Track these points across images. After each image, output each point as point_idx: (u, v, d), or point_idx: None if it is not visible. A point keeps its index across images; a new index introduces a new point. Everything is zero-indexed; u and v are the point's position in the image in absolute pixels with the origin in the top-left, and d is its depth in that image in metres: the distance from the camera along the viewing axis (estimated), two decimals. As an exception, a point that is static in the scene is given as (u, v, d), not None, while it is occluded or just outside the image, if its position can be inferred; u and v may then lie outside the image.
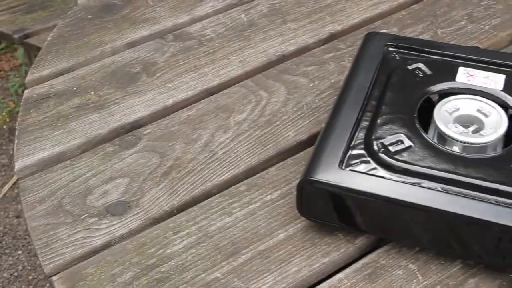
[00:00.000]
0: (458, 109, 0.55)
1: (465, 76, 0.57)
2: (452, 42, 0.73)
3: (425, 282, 0.50)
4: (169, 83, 0.70)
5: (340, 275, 0.51)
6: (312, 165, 0.51)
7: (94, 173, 0.60)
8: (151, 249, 0.54)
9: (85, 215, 0.57)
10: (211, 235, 0.55)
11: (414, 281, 0.51)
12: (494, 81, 0.57)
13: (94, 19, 0.80)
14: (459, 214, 0.47)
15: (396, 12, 0.78)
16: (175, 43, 0.75)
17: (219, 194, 0.58)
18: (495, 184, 0.48)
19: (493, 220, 0.46)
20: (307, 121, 0.65)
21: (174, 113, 0.67)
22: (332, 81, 0.69)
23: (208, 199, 0.58)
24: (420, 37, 0.74)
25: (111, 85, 0.70)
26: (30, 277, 1.31)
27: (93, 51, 0.75)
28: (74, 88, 0.70)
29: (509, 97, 0.55)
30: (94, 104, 0.68)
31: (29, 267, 1.34)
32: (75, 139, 0.64)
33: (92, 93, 0.69)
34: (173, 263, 0.53)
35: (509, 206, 0.47)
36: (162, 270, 0.52)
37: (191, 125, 0.65)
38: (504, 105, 0.55)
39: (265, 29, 0.77)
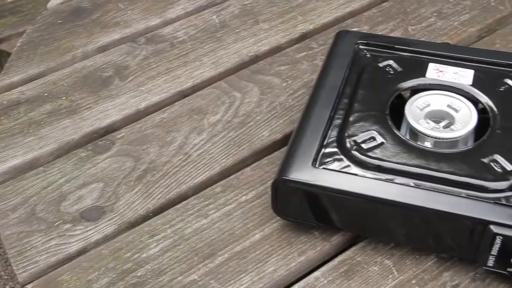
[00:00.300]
0: (428, 105, 0.56)
1: (435, 72, 0.58)
2: (422, 39, 0.73)
3: (401, 277, 0.51)
4: (142, 86, 0.70)
5: (316, 273, 0.52)
6: (286, 164, 0.51)
7: (68, 179, 0.60)
8: (127, 253, 0.54)
9: (59, 222, 0.56)
10: (187, 237, 0.55)
11: (390, 276, 0.51)
12: (463, 76, 0.57)
13: (64, 24, 0.79)
14: (431, 208, 0.48)
15: (367, 10, 0.79)
16: (147, 46, 0.75)
17: (195, 196, 0.58)
18: (466, 177, 0.49)
19: (465, 214, 0.47)
20: (281, 121, 0.65)
21: (147, 116, 0.66)
22: (305, 80, 0.69)
23: (184, 202, 0.58)
24: (391, 34, 0.74)
25: (83, 90, 0.70)
26: (8, 287, 1.30)
27: (64, 56, 0.74)
28: (45, 94, 0.69)
29: (478, 91, 0.56)
30: (66, 110, 0.67)
31: (6, 277, 1.33)
32: (47, 145, 0.63)
33: (64, 98, 0.69)
34: (149, 267, 0.52)
35: (480, 199, 0.47)
36: (139, 274, 0.52)
37: (164, 128, 0.65)
38: (473, 100, 0.56)
39: (237, 30, 0.77)
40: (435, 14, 0.77)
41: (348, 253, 0.53)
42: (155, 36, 0.76)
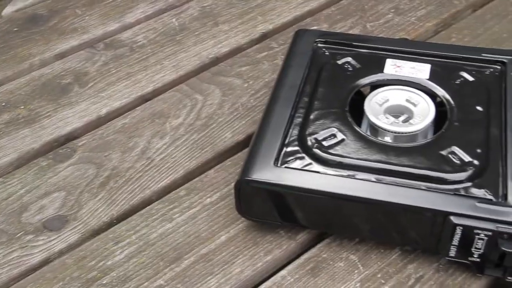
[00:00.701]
0: (387, 100, 0.56)
1: (392, 67, 0.59)
2: (381, 35, 0.74)
3: (366, 272, 0.51)
4: (102, 92, 0.69)
5: (283, 272, 0.52)
6: (248, 165, 0.51)
7: (29, 189, 0.59)
8: (92, 261, 0.53)
9: (20, 233, 0.55)
10: (152, 242, 0.54)
11: (356, 271, 0.51)
12: (420, 70, 0.58)
13: (20, 31, 0.78)
14: (393, 202, 0.48)
15: (325, 9, 0.79)
16: (106, 52, 0.74)
17: (159, 200, 0.58)
18: (425, 170, 0.49)
19: (425, 206, 0.47)
20: (243, 122, 0.65)
21: (109, 122, 0.66)
22: (266, 80, 0.69)
23: (148, 207, 0.57)
24: (350, 31, 0.75)
25: (42, 98, 0.69)
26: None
27: (21, 64, 0.73)
28: (3, 104, 0.68)
29: (435, 85, 0.57)
30: (25, 119, 0.66)
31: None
32: (7, 156, 0.62)
33: (22, 107, 0.68)
34: (114, 274, 0.52)
35: (440, 191, 0.48)
36: (104, 282, 0.52)
37: (126, 133, 0.64)
38: (431, 93, 0.57)
39: (197, 32, 0.76)
40: (392, 11, 0.78)
41: (314, 251, 0.53)
42: (114, 41, 0.76)
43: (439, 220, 0.47)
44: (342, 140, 0.52)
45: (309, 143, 0.52)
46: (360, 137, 0.53)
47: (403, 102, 0.56)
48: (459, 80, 0.57)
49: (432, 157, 0.50)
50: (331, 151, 0.52)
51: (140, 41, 0.75)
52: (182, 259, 0.53)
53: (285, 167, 0.51)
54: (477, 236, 0.47)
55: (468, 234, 0.47)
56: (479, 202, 0.47)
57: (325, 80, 0.58)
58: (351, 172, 0.50)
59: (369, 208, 0.49)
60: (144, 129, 0.65)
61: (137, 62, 0.73)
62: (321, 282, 0.51)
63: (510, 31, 0.73)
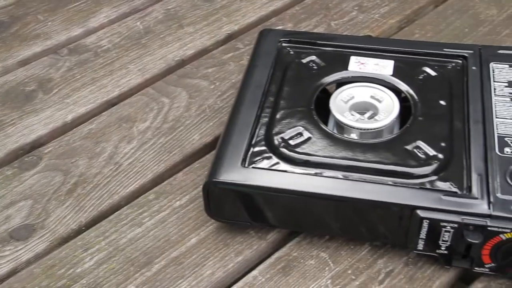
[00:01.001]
0: (352, 97, 0.57)
1: (356, 64, 0.59)
2: (345, 33, 0.75)
3: (337, 269, 0.52)
4: (67, 98, 0.68)
5: (254, 272, 0.52)
6: (215, 166, 0.51)
7: (-6, 199, 0.58)
8: (61, 270, 0.52)
9: (-13, 244, 0.54)
10: (122, 248, 0.54)
11: (326, 268, 0.52)
12: (384, 67, 0.59)
13: (-19, 39, 0.77)
14: (360, 198, 0.48)
15: (290, 8, 0.80)
16: (70, 57, 0.73)
17: (128, 205, 0.57)
18: (392, 165, 0.50)
19: (392, 201, 0.48)
20: (211, 123, 0.65)
21: (75, 129, 0.65)
22: (233, 81, 0.69)
23: (117, 212, 0.57)
24: (315, 30, 0.75)
25: (6, 106, 0.68)
26: None
27: (-17, 73, 0.72)
28: (-34, 113, 0.67)
29: (398, 81, 0.57)
30: (-11, 127, 0.65)
31: None
32: (-29, 166, 0.61)
33: (-14, 116, 0.67)
34: (84, 282, 0.51)
35: (406, 185, 0.49)
36: (74, 290, 0.51)
37: (93, 139, 0.64)
38: (395, 89, 0.57)
39: (162, 35, 0.76)
40: (356, 8, 0.78)
41: (284, 250, 0.53)
42: (78, 46, 0.75)
43: (406, 214, 0.48)
44: (309, 138, 0.53)
45: (276, 142, 0.52)
46: (326, 135, 0.53)
47: (368, 98, 0.57)
48: (422, 75, 0.58)
49: (398, 152, 0.51)
50: (297, 149, 0.52)
51: (104, 46, 0.75)
52: (153, 263, 0.53)
53: (253, 167, 0.51)
54: (443, 229, 0.47)
55: (435, 227, 0.47)
56: (444, 195, 0.48)
57: (290, 79, 0.58)
58: (318, 170, 0.50)
59: (337, 205, 0.50)
60: (111, 134, 0.64)
61: (102, 67, 0.72)
62: (293, 281, 0.51)
63: (471, 25, 0.74)
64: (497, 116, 0.53)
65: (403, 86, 0.57)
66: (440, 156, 0.50)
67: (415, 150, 0.51)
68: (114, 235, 0.55)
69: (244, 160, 0.51)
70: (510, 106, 0.54)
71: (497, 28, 0.74)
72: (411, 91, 0.56)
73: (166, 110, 0.66)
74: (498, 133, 0.52)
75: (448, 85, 0.57)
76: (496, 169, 0.49)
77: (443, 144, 0.51)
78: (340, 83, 0.59)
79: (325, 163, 0.51)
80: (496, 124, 0.52)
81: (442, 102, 0.55)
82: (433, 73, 0.58)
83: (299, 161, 0.51)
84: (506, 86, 0.55)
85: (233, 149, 0.52)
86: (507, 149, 0.50)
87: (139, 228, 0.55)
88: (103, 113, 0.67)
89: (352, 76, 0.58)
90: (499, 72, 0.57)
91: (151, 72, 0.71)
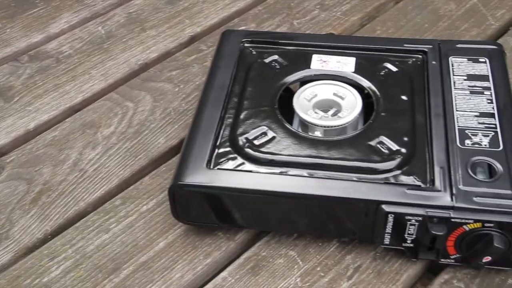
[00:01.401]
0: (316, 95, 0.57)
1: (319, 62, 0.59)
2: (308, 31, 0.75)
3: (306, 266, 0.52)
4: (29, 106, 0.67)
5: (224, 274, 0.52)
6: (180, 169, 0.51)
7: (-44, 210, 0.57)
8: (27, 280, 0.52)
9: (-50, 257, 0.53)
10: (90, 255, 0.53)
11: (295, 266, 0.52)
12: (346, 64, 0.59)
13: None
14: (325, 196, 0.49)
15: (252, 8, 0.80)
16: (31, 64, 0.72)
17: (94, 212, 0.57)
18: (356, 162, 0.50)
19: (357, 197, 0.48)
20: (176, 126, 0.64)
21: (38, 136, 0.64)
22: (197, 83, 0.69)
23: (83, 219, 0.56)
24: (278, 29, 0.75)
25: (-34, 115, 0.67)
26: None
27: None
28: None
29: (360, 77, 0.58)
30: (-51, 138, 0.64)
31: None
32: None
33: None
34: (52, 291, 0.51)
35: (370, 180, 0.49)
36: (41, 299, 0.50)
37: (57, 146, 0.63)
38: (357, 86, 0.58)
39: (124, 39, 0.75)
40: (318, 7, 0.79)
41: (253, 250, 0.53)
42: (39, 53, 0.74)
43: (372, 210, 0.48)
44: (273, 137, 0.53)
45: (241, 143, 0.52)
46: (291, 134, 0.53)
47: (331, 96, 0.57)
48: (383, 71, 0.58)
49: (362, 148, 0.51)
50: (262, 149, 0.52)
51: (66, 52, 0.74)
52: (121, 269, 0.52)
53: (218, 168, 0.51)
54: (408, 222, 0.48)
55: (400, 221, 0.48)
56: (408, 189, 0.48)
57: (253, 79, 0.58)
58: (283, 169, 0.50)
59: (303, 203, 0.50)
60: (75, 140, 0.63)
61: (64, 73, 0.71)
62: (262, 280, 0.51)
63: (431, 21, 0.75)
64: (458, 109, 0.54)
65: (365, 83, 0.57)
66: (403, 150, 0.51)
67: (378, 145, 0.52)
68: (81, 242, 0.54)
69: (209, 161, 0.51)
70: (470, 99, 0.55)
71: (456, 22, 0.75)
72: (373, 87, 0.57)
73: (131, 115, 0.66)
74: (458, 126, 0.52)
75: (409, 80, 0.57)
76: (458, 161, 0.50)
77: (405, 139, 0.52)
78: (303, 82, 0.59)
79: (290, 161, 0.51)
80: (457, 117, 0.53)
81: (403, 97, 0.56)
82: (394, 68, 0.58)
83: (264, 161, 0.51)
84: (465, 80, 0.56)
85: (198, 151, 0.52)
86: (467, 141, 0.51)
87: (106, 234, 0.55)
88: (67, 119, 0.66)
89: (315, 74, 0.59)
90: (458, 66, 0.58)
91: (114, 77, 0.71)
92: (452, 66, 0.58)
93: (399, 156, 0.51)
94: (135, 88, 0.69)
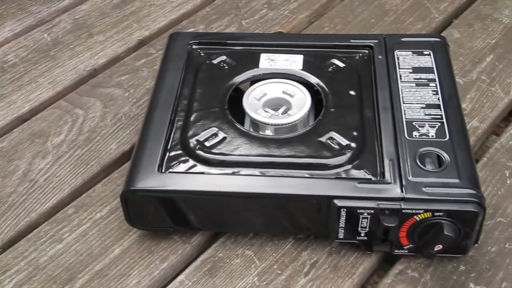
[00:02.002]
0: (265, 94, 0.57)
1: (267, 61, 0.60)
2: (257, 31, 0.75)
3: (263, 265, 0.52)
4: (-25, 117, 0.66)
5: (181, 277, 0.52)
6: (132, 174, 0.50)
7: None
8: (-21, 296, 0.51)
9: None
10: (43, 266, 0.52)
11: (252, 266, 0.52)
12: (294, 62, 0.59)
13: None
14: (278, 194, 0.49)
15: (200, 10, 0.80)
16: (-25, 75, 0.71)
17: (46, 222, 0.56)
18: (307, 158, 0.51)
19: (309, 193, 0.49)
20: (128, 131, 0.64)
21: (-15, 148, 0.63)
22: (147, 87, 0.69)
23: (35, 230, 0.55)
24: (227, 30, 0.75)
25: None
26: None
27: None
28: None
29: (308, 74, 0.58)
30: None
31: None
32: None
33: None
34: (5, 305, 0.50)
35: (322, 176, 0.50)
36: (-6, 315, 0.49)
37: (5, 157, 0.62)
38: (306, 83, 0.58)
39: (71, 46, 0.74)
40: (265, 6, 0.79)
41: (209, 251, 0.53)
42: (-17, 63, 0.72)
43: (324, 205, 0.49)
44: (224, 138, 0.53)
45: (191, 145, 0.52)
46: (241, 134, 0.53)
47: (280, 94, 0.57)
48: (331, 67, 0.59)
49: (312, 144, 0.52)
50: (213, 150, 0.52)
51: (11, 60, 0.72)
52: (76, 278, 0.51)
53: (170, 172, 0.51)
54: (361, 216, 0.48)
55: (353, 215, 0.49)
56: (359, 183, 0.49)
57: (202, 81, 0.58)
58: (235, 169, 0.50)
59: (256, 202, 0.50)
60: (24, 150, 0.62)
61: (10, 82, 0.70)
62: (220, 282, 0.51)
63: (377, 15, 0.76)
64: (404, 102, 0.55)
65: (314, 79, 0.58)
66: (353, 145, 0.52)
67: (328, 141, 0.52)
68: (34, 254, 0.53)
69: (160, 165, 0.51)
70: (416, 91, 0.56)
71: (401, 16, 0.76)
72: (322, 84, 0.57)
73: (81, 122, 0.65)
74: (406, 118, 0.53)
75: (357, 75, 0.58)
76: (406, 153, 0.50)
77: (355, 133, 0.52)
78: (252, 81, 0.59)
79: (241, 161, 0.51)
80: (404, 110, 0.54)
81: (352, 92, 0.56)
82: (341, 64, 0.59)
83: (215, 162, 0.51)
84: (410, 72, 0.57)
85: (149, 155, 0.52)
86: (415, 133, 0.52)
87: (60, 244, 0.54)
88: (14, 129, 0.65)
89: (263, 74, 0.59)
90: (404, 59, 0.59)
91: (62, 84, 0.70)
92: (398, 59, 0.59)
93: (349, 150, 0.51)
94: (84, 94, 0.68)
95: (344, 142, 0.52)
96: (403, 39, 0.61)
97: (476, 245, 0.51)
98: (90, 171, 0.60)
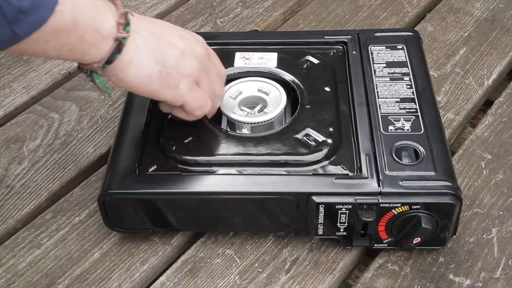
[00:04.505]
0: (241, 93, 0.57)
1: (241, 60, 0.60)
2: (232, 30, 0.75)
3: (244, 263, 0.52)
4: (-52, 124, 0.65)
5: (162, 278, 0.51)
6: (108, 177, 0.50)
7: None
8: (-43, 305, 0.50)
9: None
10: (22, 272, 0.52)
11: (233, 265, 0.52)
12: (268, 60, 0.59)
13: None
14: (256, 192, 0.49)
15: (175, 10, 0.79)
16: None
17: (24, 228, 0.55)
18: (283, 156, 0.51)
19: (287, 190, 0.49)
20: (104, 134, 0.63)
21: (-41, 156, 0.62)
22: (123, 89, 0.68)
23: (13, 236, 0.55)
24: (201, 29, 0.75)
25: None
26: None
27: None
28: None
29: (283, 72, 0.58)
30: None
31: None
32: None
33: None
34: (-16, 314, 0.49)
35: (299, 173, 0.50)
36: (-27, 324, 0.49)
37: (-19, 164, 0.61)
38: (282, 81, 0.58)
39: (45, 49, 0.73)
40: (240, 4, 0.79)
41: (190, 252, 0.53)
42: (-44, 69, 0.71)
43: (303, 202, 0.49)
44: (201, 138, 0.53)
45: (168, 146, 0.52)
46: (218, 133, 0.53)
47: (255, 92, 0.57)
48: (305, 64, 0.59)
49: (289, 142, 0.52)
50: (190, 151, 0.52)
51: (-16, 66, 0.72)
52: (56, 284, 0.51)
53: (147, 173, 0.50)
54: (339, 211, 0.49)
55: (331, 211, 0.49)
56: (336, 179, 0.49)
57: (178, 81, 0.58)
58: (212, 169, 0.50)
59: (234, 201, 0.50)
60: (0, 156, 0.62)
61: (-16, 88, 0.69)
62: (201, 282, 0.51)
63: (351, 11, 0.77)
64: (379, 97, 0.55)
65: (288, 77, 0.58)
66: (329, 141, 0.52)
67: (305, 138, 0.52)
68: (12, 260, 0.53)
69: (137, 167, 0.51)
70: (390, 85, 0.56)
71: (375, 12, 0.76)
72: (297, 81, 0.57)
73: (57, 126, 0.64)
74: (381, 113, 0.54)
75: (331, 72, 0.58)
76: (383, 148, 0.51)
77: (331, 129, 0.53)
78: (228, 80, 0.59)
79: (219, 161, 0.51)
80: (379, 105, 0.54)
81: (327, 89, 0.56)
82: (316, 61, 0.59)
83: (193, 162, 0.51)
84: (385, 67, 0.58)
85: (125, 157, 0.51)
86: (391, 127, 0.52)
87: (38, 250, 0.53)
88: (-11, 136, 0.64)
89: (238, 72, 0.59)
90: (377, 54, 0.59)
91: (37, 89, 0.69)
92: (372, 54, 0.59)
93: (325, 146, 0.51)
94: (59, 98, 0.68)
95: (321, 138, 0.52)
96: (377, 34, 0.61)
97: (454, 236, 0.51)
98: (67, 175, 0.60)
